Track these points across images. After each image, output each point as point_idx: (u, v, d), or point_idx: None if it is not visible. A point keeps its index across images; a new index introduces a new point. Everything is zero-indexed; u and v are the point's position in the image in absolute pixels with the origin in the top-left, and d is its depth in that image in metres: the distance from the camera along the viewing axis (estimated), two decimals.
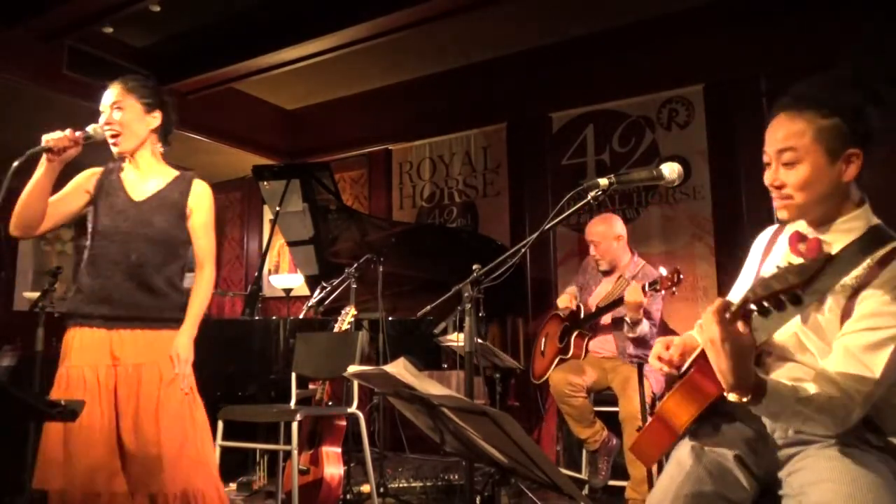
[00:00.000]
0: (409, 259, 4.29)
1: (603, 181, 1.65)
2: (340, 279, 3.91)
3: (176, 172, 2.22)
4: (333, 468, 3.06)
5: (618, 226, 3.61)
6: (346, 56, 4.65)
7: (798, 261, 1.14)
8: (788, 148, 1.31)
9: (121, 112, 2.08)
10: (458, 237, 4.92)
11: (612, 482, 3.33)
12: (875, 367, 1.20)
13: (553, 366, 3.57)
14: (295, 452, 2.84)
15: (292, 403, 3.29)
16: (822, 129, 1.28)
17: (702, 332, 1.20)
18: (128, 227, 2.08)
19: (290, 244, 4.85)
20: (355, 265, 3.76)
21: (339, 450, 3.13)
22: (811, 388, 1.21)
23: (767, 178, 1.36)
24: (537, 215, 4.78)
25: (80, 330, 2.04)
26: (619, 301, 3.33)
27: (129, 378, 1.99)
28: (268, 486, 3.71)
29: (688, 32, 4.30)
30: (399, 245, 4.23)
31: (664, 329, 3.49)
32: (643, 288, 3.12)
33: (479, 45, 4.84)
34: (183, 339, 2.09)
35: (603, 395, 3.45)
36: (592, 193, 1.65)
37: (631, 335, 3.26)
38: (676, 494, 1.34)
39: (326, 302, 4.20)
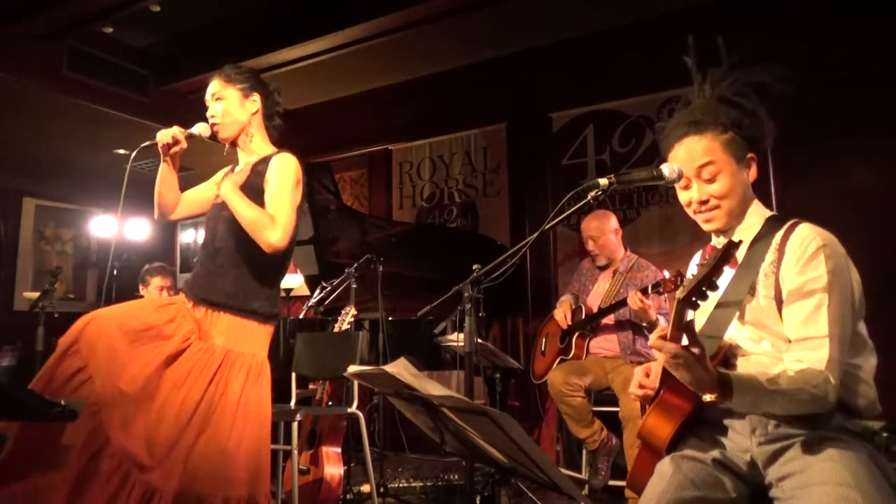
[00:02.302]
0: (409, 259, 4.29)
1: (603, 181, 1.65)
2: (340, 279, 3.92)
3: (271, 152, 2.17)
4: (333, 468, 3.06)
5: (613, 220, 3.66)
6: (346, 56, 4.65)
7: None
8: (708, 163, 1.47)
9: (220, 102, 2.16)
10: (458, 237, 4.91)
11: (612, 482, 3.33)
12: (819, 329, 1.31)
13: (554, 366, 3.57)
14: (295, 452, 2.84)
15: (292, 403, 3.29)
16: (726, 142, 1.47)
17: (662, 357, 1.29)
18: (215, 211, 2.15)
19: None
20: (355, 265, 3.76)
21: (339, 450, 3.13)
22: (778, 370, 1.31)
23: (691, 195, 1.51)
24: (537, 215, 4.77)
25: (189, 307, 2.05)
26: (620, 304, 3.35)
27: (217, 359, 1.94)
28: None
29: (688, 32, 4.30)
30: (399, 245, 4.24)
31: None
32: (644, 291, 3.12)
33: (479, 44, 4.84)
34: (226, 182, 2.07)
35: (603, 395, 3.45)
36: (592, 193, 1.65)
37: None
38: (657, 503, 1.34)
39: (326, 302, 4.21)
